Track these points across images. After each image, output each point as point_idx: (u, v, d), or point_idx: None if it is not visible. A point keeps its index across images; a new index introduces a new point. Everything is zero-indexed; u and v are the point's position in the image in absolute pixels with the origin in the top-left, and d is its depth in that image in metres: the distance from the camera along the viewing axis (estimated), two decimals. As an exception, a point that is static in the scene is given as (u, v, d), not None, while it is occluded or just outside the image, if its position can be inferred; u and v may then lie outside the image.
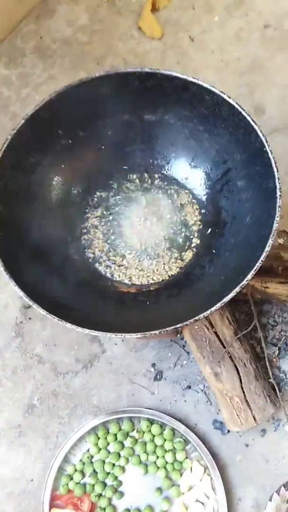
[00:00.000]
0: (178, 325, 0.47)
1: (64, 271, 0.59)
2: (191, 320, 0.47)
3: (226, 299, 0.47)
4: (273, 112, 0.94)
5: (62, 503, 0.71)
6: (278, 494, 0.68)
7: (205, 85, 0.57)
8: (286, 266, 0.73)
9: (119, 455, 0.73)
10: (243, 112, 0.56)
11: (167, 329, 0.46)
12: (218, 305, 0.47)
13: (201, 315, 0.47)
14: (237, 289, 0.47)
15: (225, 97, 0.57)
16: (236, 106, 0.56)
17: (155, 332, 0.47)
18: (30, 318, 0.82)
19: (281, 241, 0.79)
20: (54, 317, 0.47)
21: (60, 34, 1.03)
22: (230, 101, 0.56)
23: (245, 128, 0.56)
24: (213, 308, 0.47)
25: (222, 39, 1.00)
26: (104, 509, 0.71)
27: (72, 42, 1.02)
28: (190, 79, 0.57)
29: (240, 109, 0.56)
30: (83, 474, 0.72)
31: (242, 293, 0.72)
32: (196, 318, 0.47)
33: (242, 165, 0.60)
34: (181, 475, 0.72)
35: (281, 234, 0.79)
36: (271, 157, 0.53)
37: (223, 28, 1.01)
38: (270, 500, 0.68)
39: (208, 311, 0.47)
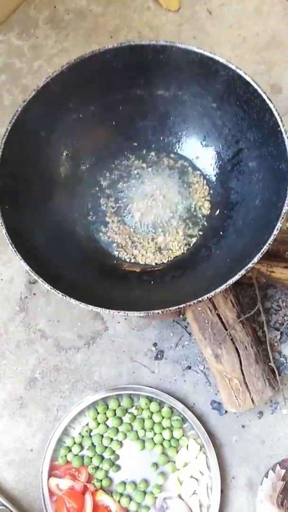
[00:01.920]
0: (181, 306, 0.46)
1: (70, 248, 0.59)
2: (194, 301, 0.46)
3: (231, 281, 0.47)
4: (290, 92, 0.91)
5: (60, 473, 0.73)
6: (274, 472, 0.69)
7: (221, 60, 0.55)
8: (293, 252, 0.72)
9: (117, 430, 0.74)
10: (258, 90, 0.54)
11: (169, 309, 0.46)
12: (223, 287, 0.47)
13: (205, 297, 0.47)
14: (243, 271, 0.47)
15: (241, 73, 0.55)
16: (252, 83, 0.54)
17: (157, 311, 0.46)
18: (34, 294, 0.82)
19: (289, 226, 0.78)
20: (59, 292, 0.47)
21: (74, 4, 1.00)
22: (246, 77, 0.54)
23: (260, 107, 0.54)
24: (217, 290, 0.47)
25: (241, 13, 0.97)
26: (101, 480, 0.72)
27: (86, 13, 0.99)
28: (206, 53, 0.55)
29: (256, 86, 0.54)
30: (81, 446, 0.74)
31: (247, 276, 0.72)
32: (200, 299, 0.47)
33: (254, 145, 0.58)
34: (177, 452, 0.73)
35: (290, 219, 0.78)
36: (285, 138, 0.52)
37: (243, 1, 0.97)
38: (266, 476, 0.69)
39: (212, 293, 0.47)
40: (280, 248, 0.73)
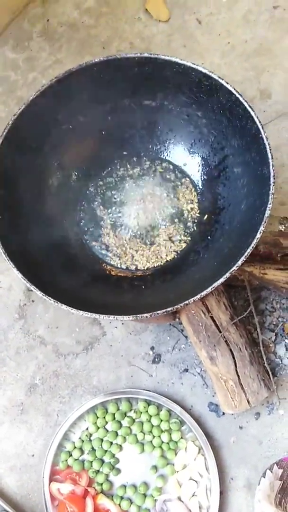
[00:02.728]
0: (169, 309, 0.48)
1: (62, 255, 0.61)
2: (181, 304, 0.48)
3: (216, 283, 0.48)
4: (280, 97, 0.93)
5: (61, 477, 0.74)
6: (271, 471, 0.70)
7: (204, 70, 0.57)
8: (285, 253, 0.73)
9: (117, 434, 0.75)
10: (240, 98, 0.55)
11: (157, 312, 0.48)
12: (209, 289, 0.48)
13: (191, 299, 0.48)
14: (227, 274, 0.48)
15: (223, 82, 0.56)
16: (234, 91, 0.56)
17: (146, 315, 0.48)
18: (33, 301, 0.84)
19: (282, 227, 0.79)
20: (51, 299, 0.49)
21: (66, 17, 1.03)
22: (228, 86, 0.56)
23: (242, 115, 0.56)
24: (203, 293, 0.48)
25: (230, 22, 0.99)
26: (101, 484, 0.73)
27: (78, 26, 1.02)
28: (189, 64, 0.57)
29: (237, 95, 0.56)
30: (81, 451, 0.75)
31: (239, 279, 0.73)
32: (186, 302, 0.48)
33: (238, 151, 0.60)
34: (176, 454, 0.74)
35: (282, 221, 0.79)
36: (267, 144, 0.53)
37: (231, 10, 1.00)
38: (264, 476, 0.70)
39: (198, 296, 0.48)
40: (272, 250, 0.74)
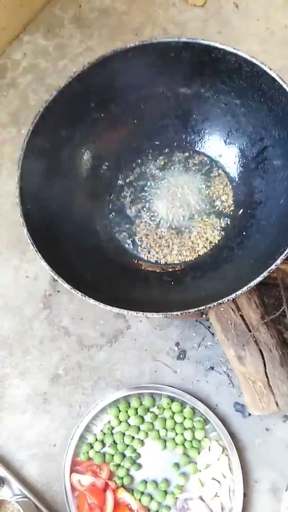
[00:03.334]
0: (201, 308, 0.46)
1: (91, 248, 0.59)
2: (215, 303, 0.46)
3: (253, 283, 0.46)
4: None
5: (82, 469, 0.74)
6: None
7: (245, 55, 0.54)
8: None
9: (139, 429, 0.75)
10: (284, 86, 0.52)
11: (189, 311, 0.46)
12: (244, 289, 0.46)
13: (225, 299, 0.46)
14: (265, 273, 0.45)
15: (266, 68, 0.53)
16: (277, 78, 0.52)
17: (176, 313, 0.46)
18: (58, 291, 0.83)
19: None
20: (78, 292, 0.48)
21: (99, 2, 1.00)
22: (271, 73, 0.53)
23: (285, 103, 0.53)
24: (239, 292, 0.46)
25: (269, 5, 0.94)
26: (122, 478, 0.73)
27: (110, 12, 0.99)
28: (229, 49, 0.54)
29: (281, 82, 0.52)
30: (103, 443, 0.75)
31: (271, 277, 0.70)
32: (220, 301, 0.46)
33: (280, 143, 0.56)
34: (199, 453, 0.72)
35: None
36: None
37: (271, -7, 0.95)
38: None
39: (233, 295, 0.46)
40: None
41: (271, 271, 0.45)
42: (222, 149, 0.65)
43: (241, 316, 0.67)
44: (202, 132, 0.65)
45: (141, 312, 0.47)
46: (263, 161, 0.59)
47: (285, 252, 0.46)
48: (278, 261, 0.45)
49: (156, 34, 0.96)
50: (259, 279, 0.46)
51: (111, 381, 0.78)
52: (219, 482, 0.71)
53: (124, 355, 0.79)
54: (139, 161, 0.66)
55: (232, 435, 0.72)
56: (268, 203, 0.57)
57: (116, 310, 0.47)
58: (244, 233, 0.59)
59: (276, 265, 0.45)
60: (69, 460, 0.73)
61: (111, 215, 0.65)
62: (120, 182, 0.66)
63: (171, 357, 0.78)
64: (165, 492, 0.72)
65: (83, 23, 0.99)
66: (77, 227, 0.59)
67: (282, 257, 0.46)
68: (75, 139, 0.60)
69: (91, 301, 0.48)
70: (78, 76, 0.56)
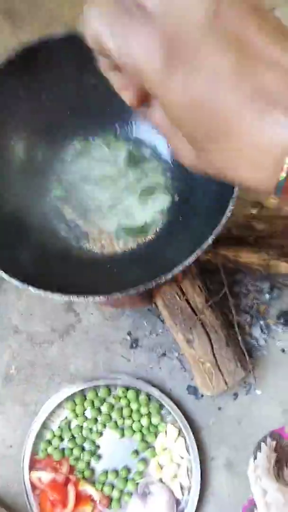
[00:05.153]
0: (140, 286, 0.47)
1: (29, 238, 0.58)
2: (153, 283, 0.47)
3: (188, 261, 0.48)
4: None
5: (41, 466, 0.73)
6: (266, 444, 0.69)
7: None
8: (258, 236, 0.73)
9: (96, 420, 0.75)
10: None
11: (128, 290, 0.47)
12: (180, 267, 0.48)
13: (163, 278, 0.47)
14: (198, 252, 0.47)
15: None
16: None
17: (118, 294, 0.47)
18: (5, 290, 0.82)
19: (254, 211, 0.78)
20: (16, 280, 0.47)
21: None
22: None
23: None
24: (175, 270, 0.47)
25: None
26: (83, 471, 0.73)
27: (40, 4, 0.97)
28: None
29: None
30: (61, 439, 0.74)
31: (214, 263, 0.73)
32: (158, 280, 0.47)
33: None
34: (156, 437, 0.74)
35: (254, 205, 0.79)
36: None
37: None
38: (259, 450, 0.69)
39: (170, 274, 0.47)
40: (245, 233, 0.73)
41: (204, 249, 0.47)
42: (154, 135, 0.65)
43: (187, 300, 0.69)
44: (135, 119, 0.65)
45: (82, 296, 0.47)
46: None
47: (216, 231, 0.48)
48: (209, 240, 0.47)
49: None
50: (193, 257, 0.47)
51: (66, 376, 0.78)
52: (177, 464, 0.73)
53: (77, 349, 0.79)
54: (74, 148, 0.65)
55: (187, 417, 0.74)
56: (202, 187, 0.59)
57: (57, 296, 0.47)
58: (180, 217, 0.61)
59: (208, 244, 0.47)
60: (27, 459, 0.72)
61: (47, 205, 0.63)
62: (55, 170, 0.64)
63: (124, 347, 0.79)
64: (126, 480, 0.73)
65: (14, 14, 0.97)
66: (13, 218, 0.58)
67: (213, 236, 0.48)
68: (5, 128, 0.58)
69: (31, 288, 0.48)
70: (4, 66, 0.54)
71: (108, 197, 0.64)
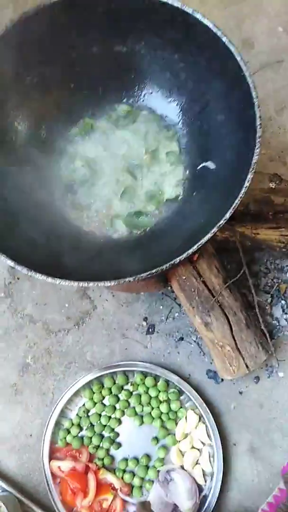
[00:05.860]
0: (153, 270, 0.44)
1: (40, 226, 0.56)
2: (167, 265, 0.44)
3: (204, 240, 0.45)
4: (263, 46, 0.87)
5: (61, 455, 0.72)
6: None
7: (175, 4, 0.51)
8: (276, 211, 0.70)
9: (115, 408, 0.74)
10: (218, 33, 0.50)
11: (141, 275, 0.44)
12: (195, 247, 0.45)
13: (177, 259, 0.45)
14: (215, 229, 0.44)
15: (198, 16, 0.51)
16: (211, 27, 0.50)
17: (129, 279, 0.44)
18: (18, 278, 0.80)
19: (272, 185, 0.75)
20: (23, 267, 0.45)
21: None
22: (204, 21, 0.51)
23: (222, 52, 0.51)
24: (190, 250, 0.45)
25: None
26: (103, 459, 0.72)
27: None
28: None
29: (215, 30, 0.50)
30: (80, 427, 0.73)
31: (231, 241, 0.70)
32: (172, 262, 0.44)
33: (221, 96, 0.55)
34: (176, 424, 0.72)
35: (272, 178, 0.75)
36: (250, 82, 0.48)
37: None
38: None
39: (184, 254, 0.44)
40: (263, 209, 0.70)
41: (221, 226, 0.44)
42: (165, 107, 0.62)
43: (203, 282, 0.67)
44: (144, 91, 0.62)
45: (94, 282, 0.45)
46: (207, 117, 0.57)
47: (233, 206, 0.45)
48: (227, 215, 0.44)
49: None
50: (209, 235, 0.45)
51: (82, 363, 0.77)
52: (198, 450, 0.71)
53: (93, 336, 0.78)
54: (81, 126, 0.62)
55: (207, 402, 0.72)
56: (215, 161, 0.56)
57: (65, 282, 0.45)
58: (194, 193, 0.58)
59: (225, 219, 0.44)
60: (46, 448, 0.72)
61: (57, 188, 0.61)
62: (60, 149, 0.62)
63: (140, 332, 0.77)
64: (147, 467, 0.71)
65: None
66: (22, 206, 0.56)
67: (231, 210, 0.45)
68: (9, 106, 0.56)
69: (38, 275, 0.46)
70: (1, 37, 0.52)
71: (116, 178, 0.61)
